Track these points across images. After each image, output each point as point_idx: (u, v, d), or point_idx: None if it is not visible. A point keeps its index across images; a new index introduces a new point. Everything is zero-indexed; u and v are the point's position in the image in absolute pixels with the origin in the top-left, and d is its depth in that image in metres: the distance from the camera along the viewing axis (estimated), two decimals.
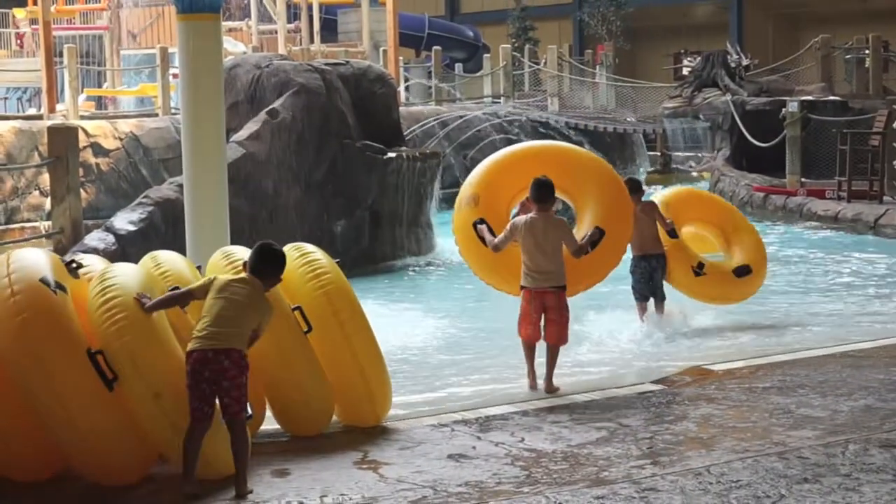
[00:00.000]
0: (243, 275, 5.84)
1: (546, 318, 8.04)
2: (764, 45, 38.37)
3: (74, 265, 6.01)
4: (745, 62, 27.46)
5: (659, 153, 29.64)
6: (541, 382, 7.98)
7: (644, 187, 11.15)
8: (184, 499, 5.37)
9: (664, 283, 10.67)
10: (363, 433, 6.43)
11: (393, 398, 6.81)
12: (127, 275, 5.76)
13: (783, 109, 21.00)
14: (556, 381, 7.95)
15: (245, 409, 5.56)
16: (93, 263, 6.31)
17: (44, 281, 5.51)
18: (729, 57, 27.15)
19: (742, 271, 10.89)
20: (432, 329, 11.35)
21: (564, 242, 8.11)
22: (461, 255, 9.14)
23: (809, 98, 22.79)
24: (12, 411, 5.50)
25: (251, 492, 5.42)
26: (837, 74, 28.73)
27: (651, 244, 10.48)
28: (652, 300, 10.67)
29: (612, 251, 8.74)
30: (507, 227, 8.28)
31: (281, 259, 5.90)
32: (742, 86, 25.95)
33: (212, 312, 5.57)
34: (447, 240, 17.29)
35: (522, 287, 8.13)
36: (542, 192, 8.04)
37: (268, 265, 5.82)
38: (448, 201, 20.33)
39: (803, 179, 20.34)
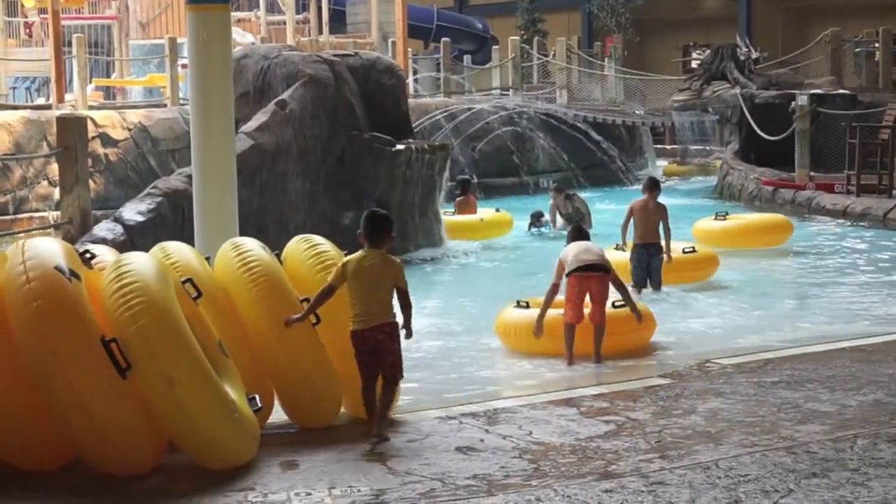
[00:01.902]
0: (363, 251, 6.38)
1: (591, 301, 9.20)
2: (773, 38, 38.28)
3: (88, 255, 6.02)
4: (754, 55, 27.39)
5: (678, 145, 29.83)
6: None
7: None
8: (372, 444, 6.09)
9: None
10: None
11: (401, 390, 6.81)
12: (141, 262, 5.77)
13: (792, 103, 20.99)
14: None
15: (400, 370, 6.41)
16: (103, 254, 6.32)
17: (59, 269, 5.51)
18: (738, 50, 27.08)
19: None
20: (441, 321, 11.36)
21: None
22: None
23: (819, 91, 22.76)
24: (23, 399, 5.51)
25: (387, 439, 6.16)
26: (847, 68, 28.65)
27: (651, 235, 11.99)
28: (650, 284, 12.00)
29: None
30: (557, 263, 9.39)
31: (388, 220, 6.53)
32: (751, 79, 25.91)
33: (358, 296, 6.31)
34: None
35: (568, 274, 9.22)
36: (580, 234, 9.75)
37: (379, 229, 6.43)
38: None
39: (812, 173, 20.32)
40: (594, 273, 9.18)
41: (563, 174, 25.44)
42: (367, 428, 6.26)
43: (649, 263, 11.97)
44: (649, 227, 12.03)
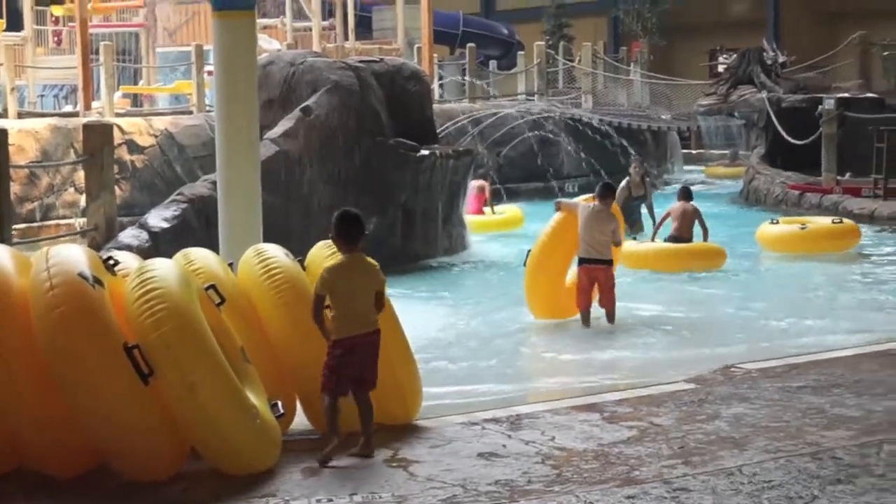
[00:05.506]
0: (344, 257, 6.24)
1: (599, 289, 10.76)
2: (800, 42, 38.05)
3: (111, 262, 6.04)
4: (781, 59, 27.30)
5: (727, 149, 29.71)
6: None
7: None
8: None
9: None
10: (393, 431, 6.41)
11: (423, 396, 6.80)
12: (165, 269, 5.77)
13: (819, 107, 20.85)
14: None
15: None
16: (127, 260, 6.33)
17: (82, 275, 5.52)
18: (765, 54, 26.98)
19: None
20: (464, 326, 11.35)
21: (612, 232, 10.70)
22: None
23: (846, 95, 22.62)
24: (48, 405, 5.53)
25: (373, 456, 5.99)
26: (875, 71, 28.48)
27: (686, 234, 14.46)
28: None
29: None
30: (575, 201, 11.27)
31: (359, 218, 6.32)
32: (778, 83, 25.79)
33: (342, 302, 6.16)
34: (478, 237, 17.41)
35: (579, 260, 10.75)
36: (604, 191, 10.85)
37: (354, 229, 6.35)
38: None
39: (839, 177, 20.19)
40: (599, 264, 10.65)
41: (587, 179, 25.40)
42: (327, 450, 5.87)
43: None
44: (684, 225, 14.41)
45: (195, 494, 5.48)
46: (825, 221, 15.92)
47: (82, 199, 16.01)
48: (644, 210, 16.34)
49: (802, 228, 15.34)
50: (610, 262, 10.81)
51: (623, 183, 15.92)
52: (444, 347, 10.20)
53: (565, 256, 11.11)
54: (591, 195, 11.21)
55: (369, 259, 6.22)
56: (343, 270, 6.12)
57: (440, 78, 31.29)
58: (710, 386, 7.50)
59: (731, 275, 13.99)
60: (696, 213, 14.56)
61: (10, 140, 18.45)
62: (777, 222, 15.87)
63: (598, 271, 10.69)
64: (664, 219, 14.76)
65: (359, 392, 6.09)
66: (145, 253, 10.91)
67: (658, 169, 28.49)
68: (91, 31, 25.04)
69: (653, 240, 14.61)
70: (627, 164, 26.26)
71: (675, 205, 14.76)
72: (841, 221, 15.80)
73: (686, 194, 14.92)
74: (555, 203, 11.56)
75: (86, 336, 5.40)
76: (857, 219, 18.21)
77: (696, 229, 14.58)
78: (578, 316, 10.93)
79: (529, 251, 11.14)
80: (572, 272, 11.11)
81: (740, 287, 13.27)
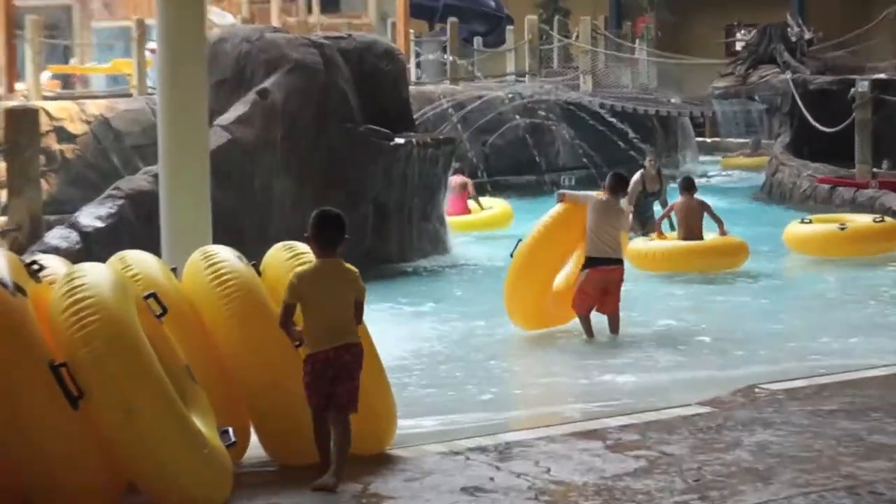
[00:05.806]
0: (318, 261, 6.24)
1: (607, 293, 10.86)
2: (829, 16, 38.19)
3: (36, 267, 5.99)
4: (807, 36, 27.42)
5: (749, 138, 29.77)
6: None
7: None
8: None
9: None
10: (363, 462, 6.37)
11: (398, 421, 6.76)
12: (97, 274, 5.74)
13: (851, 89, 20.94)
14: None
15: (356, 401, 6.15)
16: (54, 265, 6.28)
17: (1, 282, 5.48)
18: (789, 30, 27.11)
19: None
20: (445, 340, 11.35)
21: (621, 227, 11.09)
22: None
23: (882, 76, 22.71)
24: None
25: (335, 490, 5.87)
26: None
27: (697, 232, 14.44)
28: None
29: None
30: (583, 193, 11.64)
31: (340, 220, 6.27)
32: (803, 62, 25.92)
33: (316, 312, 6.18)
34: (461, 238, 17.40)
35: (589, 260, 10.77)
36: (616, 182, 11.12)
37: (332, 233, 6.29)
38: None
39: (875, 170, 20.26)
40: (616, 266, 10.86)
41: (586, 172, 25.45)
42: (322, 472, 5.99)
43: None
44: (692, 224, 14.40)
45: None
46: (866, 220, 15.92)
47: (3, 195, 15.94)
48: (658, 207, 16.35)
49: (842, 228, 15.30)
50: (622, 262, 11.08)
51: (637, 176, 16.00)
52: (422, 367, 10.19)
53: (561, 256, 11.07)
54: (599, 191, 11.29)
55: (347, 265, 6.20)
56: (315, 277, 6.11)
57: (417, 56, 31.31)
58: (730, 409, 7.51)
59: (754, 280, 14.04)
60: (703, 208, 14.52)
61: None
62: (810, 221, 15.81)
63: (613, 273, 10.88)
64: (668, 212, 14.79)
65: (333, 411, 6.06)
66: (75, 256, 10.89)
67: (668, 160, 28.56)
68: (16, 2, 24.94)
69: (658, 234, 14.57)
70: (630, 155, 26.47)
71: (678, 201, 14.70)
72: (882, 220, 15.82)
73: (688, 186, 14.78)
74: (557, 194, 11.67)
75: (5, 352, 5.35)
76: None
77: (707, 226, 14.53)
78: (567, 326, 10.96)
79: (520, 241, 11.07)
80: (562, 275, 11.06)
81: (764, 295, 13.30)
